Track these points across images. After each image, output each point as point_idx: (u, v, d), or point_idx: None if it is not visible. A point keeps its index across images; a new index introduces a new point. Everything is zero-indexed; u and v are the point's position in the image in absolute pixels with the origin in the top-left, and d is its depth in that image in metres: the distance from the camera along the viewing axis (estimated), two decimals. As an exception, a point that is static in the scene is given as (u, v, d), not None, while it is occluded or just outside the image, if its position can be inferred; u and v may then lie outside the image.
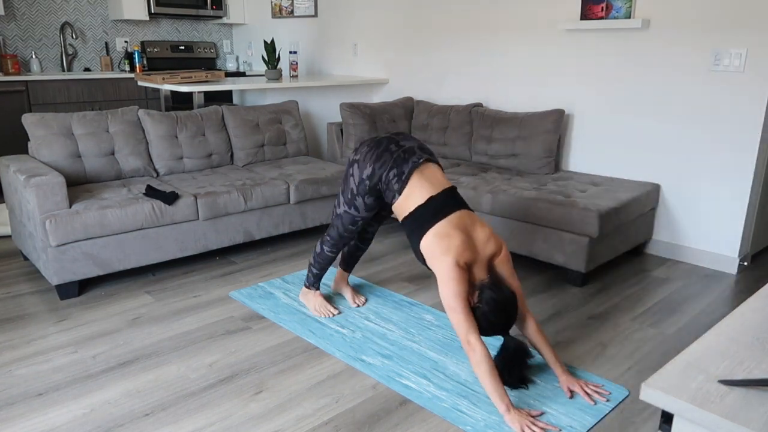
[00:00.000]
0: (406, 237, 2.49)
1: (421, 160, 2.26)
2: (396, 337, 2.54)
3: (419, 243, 2.16)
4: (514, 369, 2.10)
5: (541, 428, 1.92)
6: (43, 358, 2.36)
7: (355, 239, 2.79)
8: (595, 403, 2.08)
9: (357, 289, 2.99)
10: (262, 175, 3.58)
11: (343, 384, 2.20)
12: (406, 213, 2.22)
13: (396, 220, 3.57)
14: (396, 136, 2.36)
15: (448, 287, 2.02)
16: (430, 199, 2.18)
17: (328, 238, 2.59)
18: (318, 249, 2.65)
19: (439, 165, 2.36)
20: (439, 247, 2.07)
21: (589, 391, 2.13)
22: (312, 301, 2.76)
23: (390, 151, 2.28)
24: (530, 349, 2.15)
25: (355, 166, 2.34)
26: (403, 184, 2.23)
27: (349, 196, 2.39)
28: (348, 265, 2.87)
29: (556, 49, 3.80)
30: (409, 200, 2.21)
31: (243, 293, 2.96)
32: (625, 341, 2.54)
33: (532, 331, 2.19)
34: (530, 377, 2.21)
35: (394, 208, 2.28)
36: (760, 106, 3.05)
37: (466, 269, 2.08)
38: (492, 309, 2.03)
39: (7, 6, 5.01)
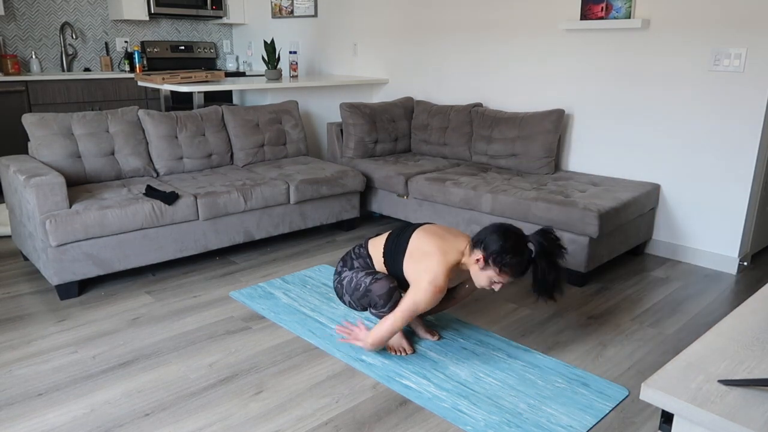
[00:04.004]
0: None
1: (372, 236, 2.58)
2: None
3: (401, 269, 2.26)
4: (553, 263, 2.07)
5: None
6: (43, 358, 2.36)
7: None
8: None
9: (429, 325, 2.65)
10: (262, 175, 3.58)
11: (343, 384, 2.20)
12: (381, 258, 2.33)
13: (394, 220, 3.49)
14: None
15: (415, 301, 2.15)
16: (390, 234, 2.36)
17: (371, 311, 2.41)
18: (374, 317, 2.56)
19: None
20: (418, 267, 2.18)
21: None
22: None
23: (347, 254, 2.46)
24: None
25: (334, 278, 2.45)
26: (365, 246, 2.40)
27: (339, 286, 2.41)
28: None
29: (556, 49, 3.80)
30: (377, 250, 2.35)
31: (243, 293, 2.96)
32: (625, 341, 2.54)
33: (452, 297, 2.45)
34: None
35: (376, 267, 2.36)
36: (760, 106, 3.05)
37: (445, 287, 2.16)
38: (501, 248, 2.05)
39: (7, 6, 5.01)
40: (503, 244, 2.04)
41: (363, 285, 2.28)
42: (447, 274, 2.15)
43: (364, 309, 2.37)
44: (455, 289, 2.50)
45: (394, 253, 2.29)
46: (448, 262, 2.15)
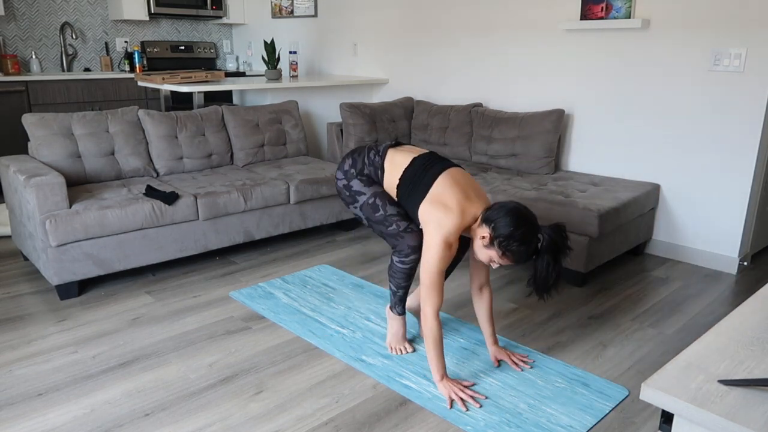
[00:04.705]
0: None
1: (394, 142, 2.33)
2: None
3: (417, 208, 2.14)
4: (560, 255, 2.01)
5: (469, 395, 2.08)
6: (43, 358, 2.36)
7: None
8: (522, 370, 2.28)
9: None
10: (262, 175, 3.58)
11: (343, 384, 2.20)
12: (397, 181, 2.21)
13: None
14: None
15: (432, 260, 2.06)
16: (414, 160, 2.20)
17: (393, 251, 2.35)
18: (389, 263, 2.38)
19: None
20: (433, 217, 2.07)
21: (516, 360, 2.33)
22: (391, 330, 2.45)
23: (362, 147, 2.36)
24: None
25: (337, 172, 2.36)
26: (382, 156, 2.27)
27: (348, 193, 2.32)
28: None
29: (556, 49, 3.80)
30: (395, 168, 2.23)
31: (243, 293, 2.96)
32: (625, 341, 2.54)
33: (485, 303, 2.32)
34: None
35: (385, 185, 2.27)
36: (760, 106, 3.05)
37: (456, 243, 2.09)
38: (509, 234, 1.98)
39: (7, 6, 5.01)
40: (513, 230, 1.97)
41: (395, 225, 2.22)
42: (458, 233, 2.08)
43: (380, 234, 2.30)
44: (469, 243, 2.31)
45: (412, 188, 2.16)
46: (463, 223, 2.07)
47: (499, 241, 2.00)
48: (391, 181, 2.24)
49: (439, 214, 2.06)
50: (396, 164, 2.23)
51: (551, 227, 2.01)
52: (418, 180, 2.16)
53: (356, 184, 2.28)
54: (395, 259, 2.29)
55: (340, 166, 2.35)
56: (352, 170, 2.30)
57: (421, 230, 2.20)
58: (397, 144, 2.33)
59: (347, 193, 2.32)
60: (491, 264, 2.09)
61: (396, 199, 2.26)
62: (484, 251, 2.07)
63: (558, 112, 3.67)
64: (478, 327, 2.64)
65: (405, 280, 2.32)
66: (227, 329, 2.61)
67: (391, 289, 2.38)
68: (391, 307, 2.42)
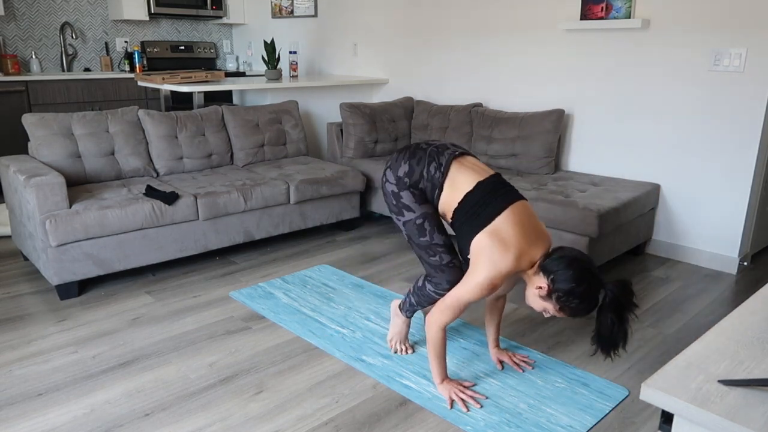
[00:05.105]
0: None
1: (458, 152, 2.09)
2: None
3: (472, 237, 1.96)
4: (624, 314, 1.83)
5: (469, 395, 2.09)
6: (43, 358, 2.36)
7: None
8: (523, 371, 2.28)
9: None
10: (262, 175, 3.58)
11: (343, 384, 2.20)
12: (455, 205, 2.01)
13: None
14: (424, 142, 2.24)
15: (468, 291, 1.95)
16: (479, 185, 1.99)
17: (429, 278, 2.20)
18: (420, 283, 2.24)
19: (476, 158, 2.18)
20: (487, 252, 1.91)
21: (516, 360, 2.33)
22: (395, 328, 2.41)
23: (422, 149, 2.11)
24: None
25: (388, 172, 2.12)
26: (444, 173, 2.03)
27: (395, 202, 2.09)
28: None
29: (556, 49, 3.80)
30: (454, 191, 2.02)
31: (243, 293, 2.96)
32: (625, 341, 2.54)
33: (498, 311, 2.32)
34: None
35: (440, 206, 2.07)
36: (760, 106, 3.05)
37: (501, 285, 1.96)
38: (570, 290, 1.84)
39: (7, 6, 5.01)
40: (575, 287, 1.82)
41: (438, 256, 2.07)
42: (508, 277, 1.94)
43: (418, 257, 2.14)
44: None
45: (472, 217, 1.97)
46: (517, 267, 1.91)
47: (557, 296, 1.86)
48: (449, 202, 2.04)
49: (496, 253, 1.89)
50: (457, 187, 2.02)
51: (616, 284, 1.83)
52: (480, 209, 1.96)
53: (407, 197, 2.07)
54: (429, 287, 2.16)
55: (392, 166, 2.11)
56: (407, 179, 2.06)
57: (462, 268, 2.08)
58: (461, 154, 2.10)
59: (394, 202, 2.10)
60: (544, 313, 1.95)
61: (450, 220, 2.07)
62: (538, 301, 1.92)
63: (558, 112, 3.67)
64: (478, 328, 2.64)
65: (429, 303, 2.22)
66: (227, 329, 2.61)
67: (410, 300, 2.28)
68: (400, 307, 2.35)
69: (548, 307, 1.91)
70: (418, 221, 2.06)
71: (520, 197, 2.02)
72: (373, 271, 3.30)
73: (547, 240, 2.00)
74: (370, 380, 2.22)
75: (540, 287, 1.89)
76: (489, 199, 1.97)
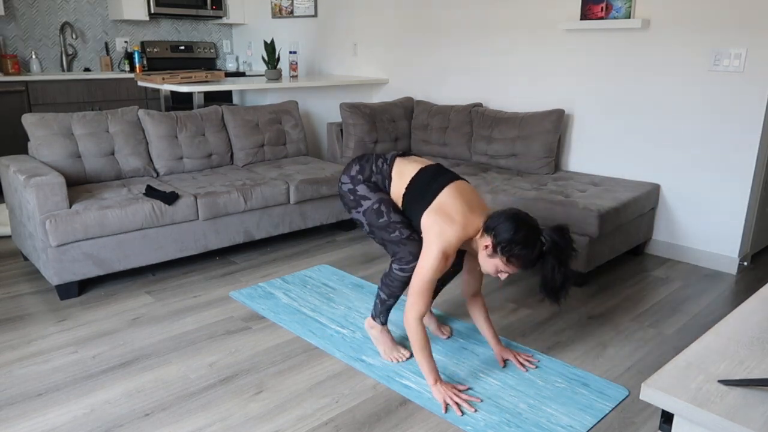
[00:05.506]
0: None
1: (401, 152, 2.34)
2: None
3: (421, 217, 2.13)
4: (564, 260, 1.98)
5: (464, 399, 2.08)
6: (43, 358, 2.36)
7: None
8: (527, 371, 2.29)
9: (441, 320, 2.72)
10: (262, 175, 3.58)
11: (343, 384, 2.20)
12: (403, 191, 2.22)
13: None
14: None
15: (427, 267, 2.06)
16: (421, 171, 2.22)
17: (393, 258, 2.31)
18: (385, 272, 2.34)
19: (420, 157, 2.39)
20: (435, 226, 2.07)
21: (521, 360, 2.34)
22: (380, 342, 2.41)
23: (369, 155, 2.36)
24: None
25: (342, 177, 2.34)
26: (390, 165, 2.27)
27: (352, 197, 2.29)
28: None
29: (556, 49, 3.80)
30: (401, 179, 2.24)
31: (243, 293, 2.96)
32: (625, 341, 2.54)
33: (481, 309, 2.36)
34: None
35: (392, 194, 2.27)
36: (760, 106, 3.05)
37: (453, 255, 2.08)
38: (511, 238, 1.95)
39: (7, 6, 5.01)
40: (514, 234, 1.94)
41: (398, 232, 2.21)
42: (458, 245, 2.07)
43: (381, 241, 2.28)
44: (464, 256, 2.39)
45: (418, 197, 2.16)
46: (465, 235, 2.06)
47: (501, 247, 1.97)
48: (398, 190, 2.24)
49: (442, 224, 2.05)
50: (403, 174, 2.24)
51: (553, 229, 1.99)
52: (424, 190, 2.16)
53: (362, 189, 2.27)
54: (395, 267, 2.26)
55: (345, 170, 2.34)
56: (360, 176, 2.29)
57: (420, 239, 2.19)
58: (403, 154, 2.34)
59: (351, 198, 2.30)
60: (499, 275, 2.04)
61: (401, 207, 2.25)
62: (488, 261, 2.03)
63: (558, 112, 3.67)
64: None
65: (400, 288, 2.28)
66: (227, 329, 2.61)
67: (380, 297, 2.33)
68: (373, 317, 2.38)
69: (498, 264, 2.02)
70: (375, 206, 2.25)
71: (461, 178, 2.22)
72: (373, 271, 3.30)
73: (489, 211, 2.15)
74: (370, 380, 2.22)
75: (486, 246, 2.02)
76: (431, 181, 2.18)
